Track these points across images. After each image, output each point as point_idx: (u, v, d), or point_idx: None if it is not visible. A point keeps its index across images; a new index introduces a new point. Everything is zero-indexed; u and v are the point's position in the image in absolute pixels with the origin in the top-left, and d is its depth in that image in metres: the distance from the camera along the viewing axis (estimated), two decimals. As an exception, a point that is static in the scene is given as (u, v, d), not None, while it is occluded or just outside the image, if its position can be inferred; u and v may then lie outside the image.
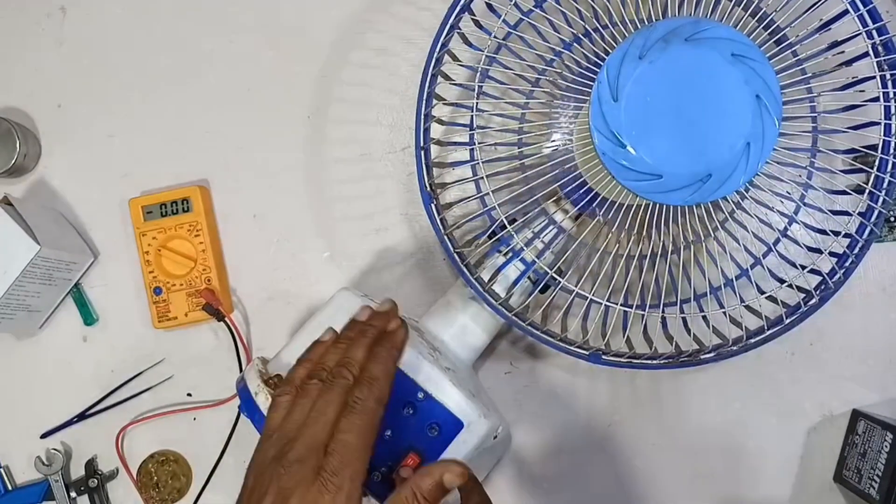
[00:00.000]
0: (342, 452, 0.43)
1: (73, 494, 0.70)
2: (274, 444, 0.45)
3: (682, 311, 0.58)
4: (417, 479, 0.44)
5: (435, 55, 0.57)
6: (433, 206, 0.57)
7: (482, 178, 0.55)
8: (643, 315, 0.55)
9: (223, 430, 0.69)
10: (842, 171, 0.57)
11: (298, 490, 0.42)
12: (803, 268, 0.55)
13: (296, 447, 0.44)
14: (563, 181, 0.56)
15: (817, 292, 0.55)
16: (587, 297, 0.55)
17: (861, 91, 0.57)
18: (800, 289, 0.55)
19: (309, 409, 0.45)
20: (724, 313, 0.56)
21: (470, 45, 0.60)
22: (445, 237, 0.57)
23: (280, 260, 0.71)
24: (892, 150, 0.54)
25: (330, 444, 0.43)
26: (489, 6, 0.57)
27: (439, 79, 0.58)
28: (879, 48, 0.53)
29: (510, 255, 0.60)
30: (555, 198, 0.61)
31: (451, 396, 0.52)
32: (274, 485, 0.43)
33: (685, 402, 0.68)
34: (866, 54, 0.53)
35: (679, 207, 0.52)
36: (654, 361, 0.56)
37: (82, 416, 0.71)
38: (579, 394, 0.68)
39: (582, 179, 0.56)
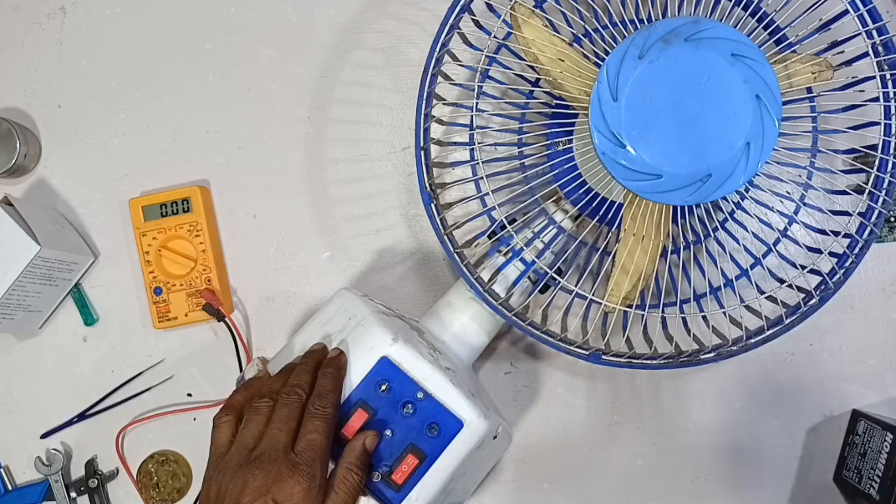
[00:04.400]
0: (313, 448, 0.48)
1: (73, 494, 0.70)
2: (234, 454, 0.49)
3: (682, 311, 0.58)
4: (346, 456, 0.50)
5: (435, 55, 0.57)
6: (433, 206, 0.57)
7: (482, 178, 0.55)
8: (643, 315, 0.55)
9: (223, 430, 0.69)
10: (842, 171, 0.57)
11: (276, 485, 0.46)
12: (803, 268, 0.55)
13: (266, 451, 0.48)
14: (562, 181, 0.56)
15: (817, 292, 0.55)
16: (587, 297, 0.55)
17: (861, 91, 0.57)
18: (800, 289, 0.55)
19: (264, 423, 0.50)
20: (724, 313, 0.56)
21: (470, 45, 0.60)
22: (445, 237, 0.57)
23: (280, 260, 0.71)
24: (892, 150, 0.54)
25: (299, 444, 0.49)
26: (489, 6, 0.57)
27: (439, 79, 0.58)
28: (879, 48, 0.53)
29: (510, 255, 0.60)
30: (555, 198, 0.61)
31: (450, 396, 0.52)
32: (249, 485, 0.46)
33: (685, 402, 0.68)
34: (866, 54, 0.53)
35: (679, 207, 0.52)
36: (654, 361, 0.56)
37: (82, 416, 0.71)
38: (579, 394, 0.68)
39: (582, 179, 0.56)
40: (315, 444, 0.49)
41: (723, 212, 0.61)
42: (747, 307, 0.56)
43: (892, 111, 0.53)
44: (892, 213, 0.66)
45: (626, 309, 0.55)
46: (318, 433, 0.49)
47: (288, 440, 0.49)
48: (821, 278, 0.56)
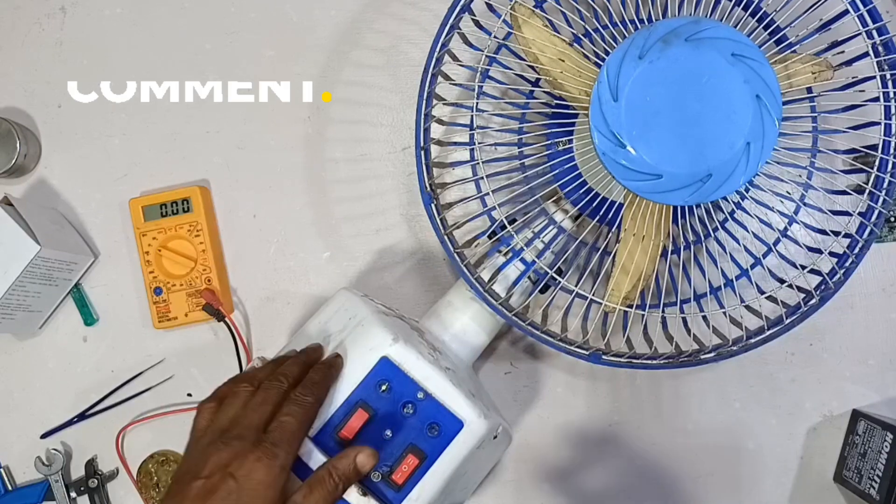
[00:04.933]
0: (283, 430, 0.48)
1: (73, 494, 0.70)
2: (208, 435, 0.48)
3: (682, 311, 0.58)
4: (334, 461, 0.49)
5: (435, 55, 0.57)
6: (433, 206, 0.57)
7: (482, 178, 0.55)
8: (643, 315, 0.55)
9: (223, 430, 0.69)
10: (842, 171, 0.57)
11: (237, 460, 0.45)
12: (803, 268, 0.55)
13: (235, 429, 0.47)
14: (563, 181, 0.56)
15: (817, 292, 0.55)
16: (587, 297, 0.55)
17: (861, 91, 0.57)
18: (800, 289, 0.55)
19: (240, 407, 0.49)
20: (725, 313, 0.56)
21: (470, 45, 0.60)
22: (445, 237, 0.57)
23: (280, 260, 0.71)
24: (892, 150, 0.54)
25: (271, 425, 0.48)
26: (489, 6, 0.57)
27: (439, 79, 0.58)
28: (879, 48, 0.53)
29: (510, 255, 0.60)
30: (555, 198, 0.61)
31: (450, 396, 0.52)
32: (211, 460, 0.46)
33: (685, 402, 0.68)
34: (866, 54, 0.53)
35: (679, 207, 0.52)
36: (655, 361, 0.56)
37: (82, 416, 0.71)
38: (579, 394, 0.68)
39: (582, 179, 0.56)
40: (286, 427, 0.48)
41: (723, 212, 0.61)
42: (747, 307, 0.56)
43: (893, 111, 0.53)
44: (892, 213, 0.66)
45: (627, 309, 0.55)
46: (292, 417, 0.48)
47: (260, 422, 0.48)
48: (821, 278, 0.56)
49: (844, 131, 0.55)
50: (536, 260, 0.57)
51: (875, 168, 0.54)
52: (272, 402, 0.49)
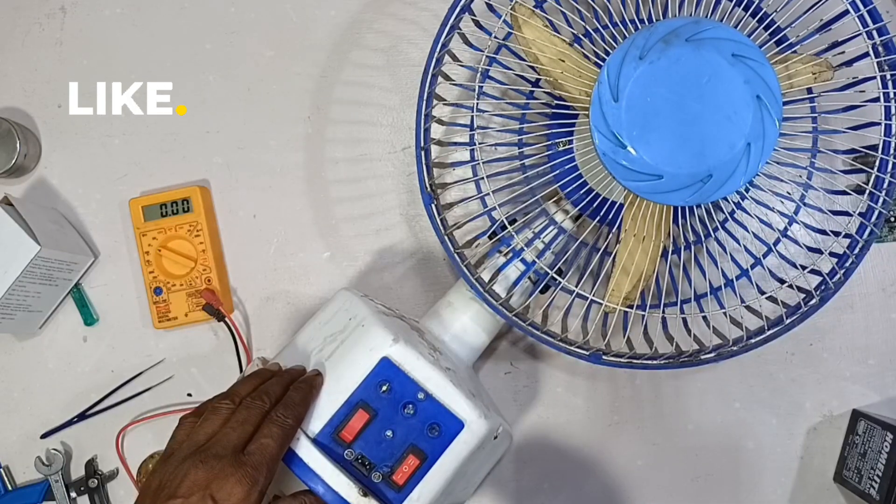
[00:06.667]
0: (263, 453, 0.47)
1: (73, 494, 0.70)
2: (184, 450, 0.48)
3: (682, 312, 0.58)
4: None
5: (435, 55, 0.57)
6: (433, 206, 0.57)
7: (483, 178, 0.55)
8: (643, 315, 0.55)
9: (223, 431, 0.69)
10: (842, 172, 0.57)
11: (217, 481, 0.45)
12: (803, 268, 0.55)
13: (214, 447, 0.47)
14: (563, 181, 0.56)
15: (817, 292, 0.56)
16: (587, 298, 0.55)
17: (861, 91, 0.57)
18: (800, 289, 0.55)
19: (219, 423, 0.49)
20: (725, 313, 0.56)
21: (470, 45, 0.60)
22: (446, 237, 0.57)
23: (280, 260, 0.71)
24: (892, 151, 0.54)
25: (251, 446, 0.47)
26: (489, 6, 0.57)
27: (439, 79, 0.58)
28: (880, 48, 0.53)
29: (510, 255, 0.60)
30: (555, 198, 0.61)
31: (451, 396, 0.52)
32: (189, 477, 0.45)
33: (685, 402, 0.68)
34: (866, 54, 0.53)
35: (679, 208, 0.52)
36: (655, 362, 0.56)
37: (82, 416, 0.71)
38: (579, 394, 0.68)
39: (582, 180, 0.56)
40: (266, 450, 0.47)
41: (723, 212, 0.61)
42: (748, 307, 0.56)
43: (893, 111, 0.53)
44: (892, 213, 0.66)
45: (627, 309, 0.55)
46: (272, 439, 0.48)
47: (239, 441, 0.47)
48: (821, 278, 0.56)
49: (844, 131, 0.55)
50: (537, 260, 0.57)
51: (875, 168, 0.54)
52: (253, 422, 0.49)
